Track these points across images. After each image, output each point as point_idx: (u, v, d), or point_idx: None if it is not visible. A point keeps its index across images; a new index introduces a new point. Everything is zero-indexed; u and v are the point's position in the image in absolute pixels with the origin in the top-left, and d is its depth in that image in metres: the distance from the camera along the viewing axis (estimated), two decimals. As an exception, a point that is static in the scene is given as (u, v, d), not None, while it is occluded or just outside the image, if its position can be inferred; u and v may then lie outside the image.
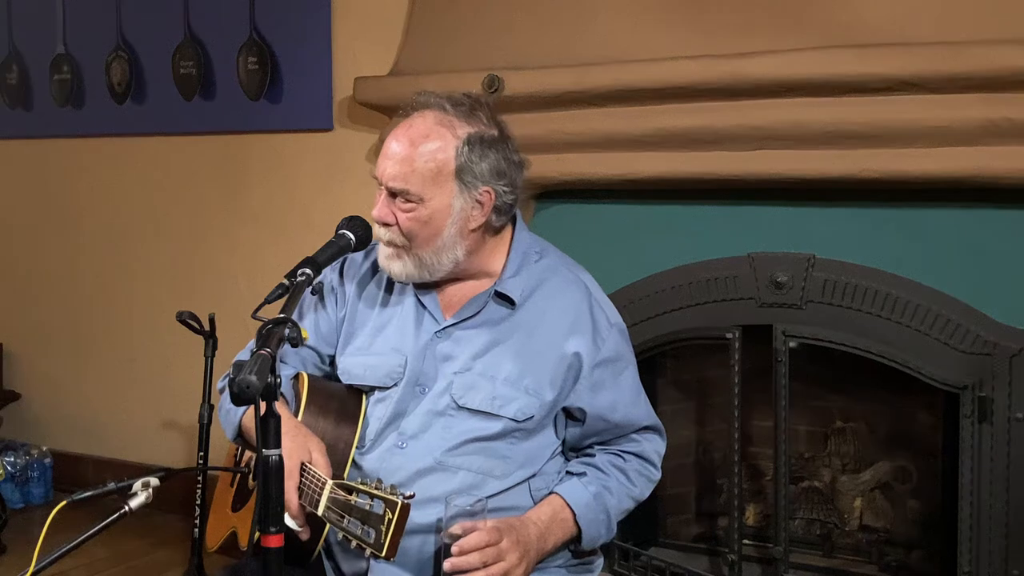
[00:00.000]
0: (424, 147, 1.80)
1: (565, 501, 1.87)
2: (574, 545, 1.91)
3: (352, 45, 3.55)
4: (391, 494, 1.60)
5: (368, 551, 1.61)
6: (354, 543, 1.63)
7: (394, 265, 1.88)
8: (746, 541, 3.03)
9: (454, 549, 1.71)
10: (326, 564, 1.93)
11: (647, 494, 1.99)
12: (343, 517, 1.65)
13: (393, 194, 1.83)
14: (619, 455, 1.95)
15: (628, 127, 2.93)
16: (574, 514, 1.86)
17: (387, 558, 1.59)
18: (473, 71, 3.04)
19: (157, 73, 3.89)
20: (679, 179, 2.93)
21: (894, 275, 2.76)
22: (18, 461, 4.04)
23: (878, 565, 3.03)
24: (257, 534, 1.49)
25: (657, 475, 2.00)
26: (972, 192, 2.66)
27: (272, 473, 1.48)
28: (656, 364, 3.14)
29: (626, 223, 3.11)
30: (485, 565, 1.71)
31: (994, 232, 2.68)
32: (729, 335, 2.83)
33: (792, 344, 2.78)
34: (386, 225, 1.85)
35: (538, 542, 1.81)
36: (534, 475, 1.90)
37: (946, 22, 2.60)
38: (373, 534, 1.60)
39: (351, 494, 1.65)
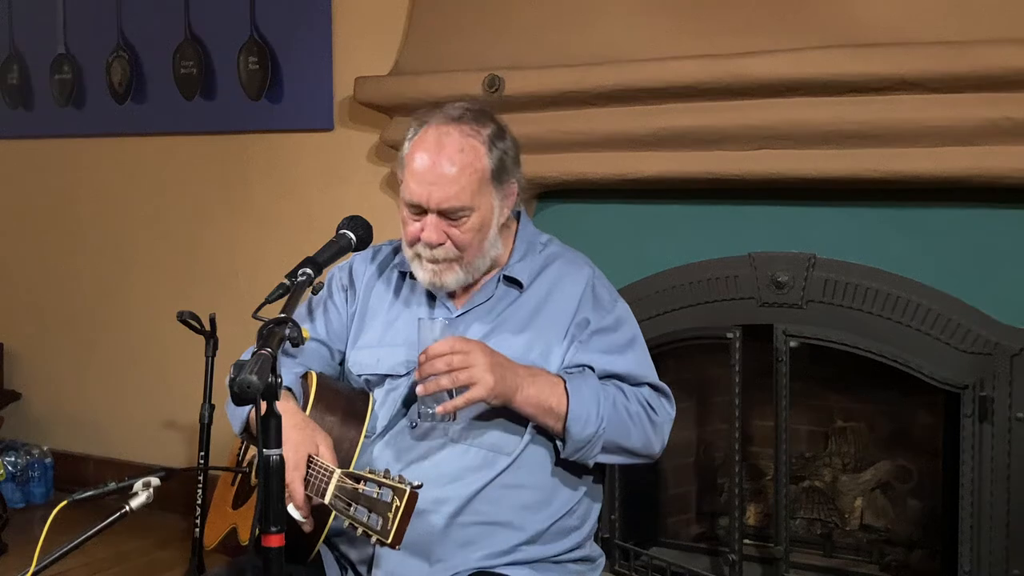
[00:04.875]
0: (464, 162, 1.85)
1: (555, 374, 1.88)
2: (562, 427, 1.84)
3: (352, 45, 3.55)
4: (400, 483, 1.61)
5: (374, 538, 1.62)
6: (360, 530, 1.64)
7: (447, 278, 1.90)
8: (747, 541, 3.03)
9: (420, 357, 1.76)
10: (327, 557, 1.93)
11: (646, 430, 1.92)
12: (350, 505, 1.66)
13: (441, 213, 1.86)
14: (619, 385, 1.94)
15: (628, 127, 2.93)
16: (564, 382, 1.85)
17: (393, 545, 1.60)
18: (473, 71, 3.04)
19: (158, 73, 3.89)
20: (679, 179, 2.93)
21: (895, 275, 2.76)
22: (19, 461, 4.05)
23: (879, 565, 3.03)
24: (258, 532, 1.49)
25: (657, 420, 1.93)
26: (972, 192, 2.66)
27: (273, 472, 1.49)
28: (656, 364, 3.13)
29: (626, 223, 3.11)
30: (451, 369, 1.74)
31: (995, 232, 2.68)
32: (730, 335, 2.83)
33: (793, 344, 2.78)
34: (438, 245, 1.87)
35: (516, 374, 1.80)
36: (542, 442, 1.91)
37: (946, 22, 2.60)
38: (380, 521, 1.61)
39: (359, 483, 1.67)
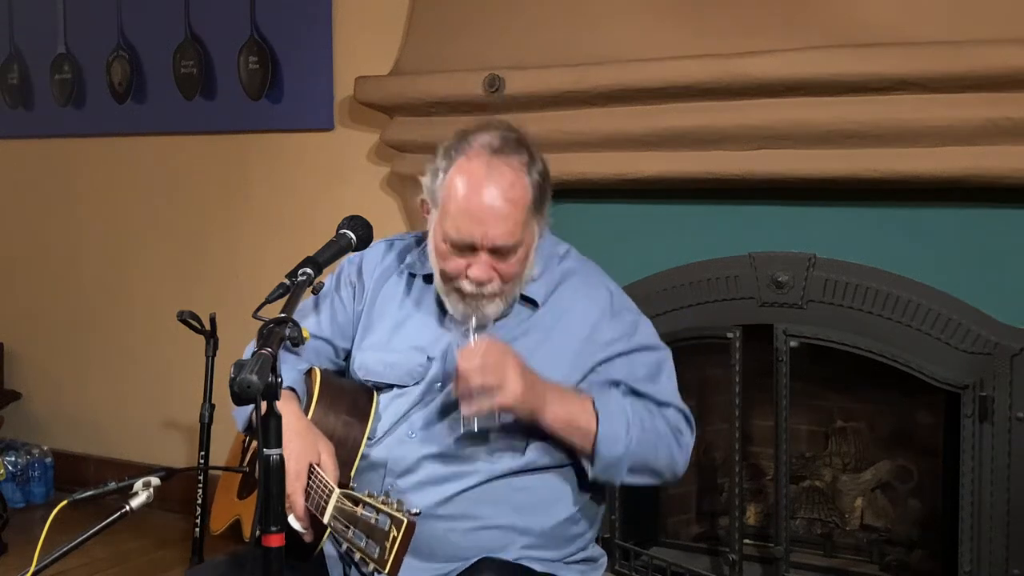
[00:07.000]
0: (515, 197, 1.82)
1: (584, 393, 1.87)
2: (591, 447, 1.82)
3: (353, 45, 3.56)
4: (397, 511, 1.58)
5: (371, 566, 1.61)
6: (358, 555, 1.63)
7: (489, 309, 1.86)
8: (747, 541, 3.03)
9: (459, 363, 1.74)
10: (330, 552, 1.93)
11: (672, 450, 1.92)
12: (348, 528, 1.65)
13: (492, 251, 1.83)
14: (646, 404, 1.92)
15: (629, 127, 2.93)
16: (592, 402, 1.84)
17: (389, 575, 1.58)
18: (473, 70, 3.04)
19: (158, 73, 3.89)
20: (680, 178, 2.93)
21: (895, 274, 2.76)
22: (19, 460, 4.05)
23: (879, 565, 3.03)
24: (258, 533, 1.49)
25: (683, 441, 1.93)
26: (973, 192, 2.66)
27: (272, 473, 1.49)
28: (657, 364, 3.14)
29: (626, 223, 3.11)
30: (484, 381, 1.71)
31: (995, 232, 2.67)
32: (730, 335, 2.83)
33: (793, 344, 2.78)
34: (487, 282, 1.85)
35: (546, 389, 1.79)
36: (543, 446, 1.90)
37: (946, 22, 2.60)
38: (377, 550, 1.59)
39: (357, 505, 1.65)
